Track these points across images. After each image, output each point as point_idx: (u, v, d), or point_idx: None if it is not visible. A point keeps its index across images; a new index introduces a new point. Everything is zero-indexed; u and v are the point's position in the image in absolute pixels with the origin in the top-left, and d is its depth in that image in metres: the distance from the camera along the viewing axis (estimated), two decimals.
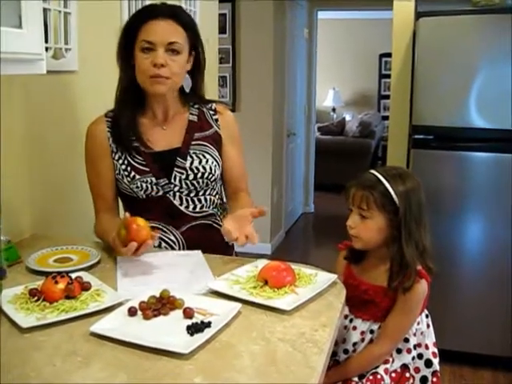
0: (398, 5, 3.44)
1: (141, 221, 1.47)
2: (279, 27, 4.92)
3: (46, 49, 1.77)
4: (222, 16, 4.42)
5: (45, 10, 1.75)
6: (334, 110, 9.21)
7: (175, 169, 1.69)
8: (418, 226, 1.50)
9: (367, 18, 8.39)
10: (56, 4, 1.86)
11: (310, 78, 6.27)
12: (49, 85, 1.86)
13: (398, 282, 1.48)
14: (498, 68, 2.74)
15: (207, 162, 1.71)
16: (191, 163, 1.70)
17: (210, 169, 1.71)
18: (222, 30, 4.35)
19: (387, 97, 8.21)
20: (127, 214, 1.49)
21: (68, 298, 1.25)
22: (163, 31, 1.60)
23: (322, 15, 6.35)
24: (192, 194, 1.72)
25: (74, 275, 1.32)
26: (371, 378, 1.52)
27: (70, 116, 2.00)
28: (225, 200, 1.86)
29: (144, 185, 1.67)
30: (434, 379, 1.56)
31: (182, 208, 1.72)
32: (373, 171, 1.54)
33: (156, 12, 1.62)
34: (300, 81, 5.85)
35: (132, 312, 1.20)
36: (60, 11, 1.88)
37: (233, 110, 1.81)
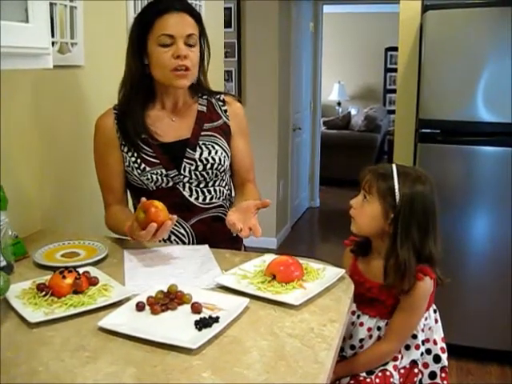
0: None
1: (159, 203, 1.49)
2: (284, 21, 4.90)
3: (52, 43, 1.76)
4: (227, 10, 4.41)
5: (51, 5, 1.74)
6: (339, 104, 9.18)
7: (185, 160, 1.69)
8: (420, 232, 1.48)
9: (373, 11, 8.35)
10: None
11: (316, 72, 6.24)
12: (55, 79, 1.86)
13: (393, 281, 1.48)
14: (506, 61, 2.71)
15: (216, 152, 1.71)
16: (201, 154, 1.70)
17: (220, 159, 1.71)
18: (227, 24, 4.33)
19: (393, 91, 8.20)
20: (144, 199, 1.50)
21: (76, 292, 1.24)
22: (181, 24, 1.61)
23: (327, 9, 6.33)
24: (202, 185, 1.73)
25: (81, 270, 1.32)
26: (380, 374, 1.52)
27: (77, 110, 1.99)
28: (233, 192, 1.86)
29: (154, 176, 1.67)
30: (443, 375, 1.56)
31: (192, 199, 1.72)
32: (393, 164, 1.54)
33: (170, 5, 1.62)
34: (305, 75, 5.83)
35: (140, 307, 1.20)
36: (66, 5, 1.88)
37: None
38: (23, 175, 1.76)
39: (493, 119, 2.78)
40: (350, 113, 8.33)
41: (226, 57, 4.07)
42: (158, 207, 1.48)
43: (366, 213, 1.52)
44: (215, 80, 3.20)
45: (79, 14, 1.93)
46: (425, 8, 2.99)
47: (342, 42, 9.04)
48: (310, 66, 6.06)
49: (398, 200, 1.47)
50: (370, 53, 9.06)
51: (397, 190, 1.47)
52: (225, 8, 3.53)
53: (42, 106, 1.83)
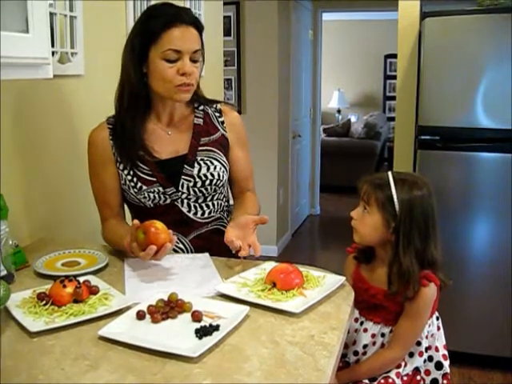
0: (403, 5, 3.43)
1: (159, 224, 1.46)
2: (284, 29, 4.92)
3: (52, 53, 1.77)
4: (226, 18, 4.43)
5: (51, 14, 1.75)
6: (339, 111, 9.21)
7: (182, 177, 1.66)
8: (421, 237, 1.48)
9: (372, 18, 8.39)
10: (62, 8, 1.86)
11: (315, 79, 6.26)
12: (55, 89, 1.86)
13: (398, 288, 1.48)
14: (505, 68, 2.72)
15: (215, 168, 1.68)
16: (199, 170, 1.67)
17: (218, 175, 1.69)
18: (226, 33, 4.36)
19: (392, 98, 8.22)
20: (136, 221, 1.46)
21: (76, 301, 1.24)
22: (188, 39, 1.56)
23: (326, 17, 6.35)
24: (200, 201, 1.70)
25: (81, 279, 1.32)
26: (383, 381, 1.51)
27: (77, 119, 2.00)
28: (231, 202, 1.85)
29: (151, 195, 1.64)
30: (445, 381, 1.55)
31: (191, 215, 1.70)
32: (388, 172, 1.55)
33: (177, 17, 1.55)
34: (305, 82, 5.85)
35: (140, 315, 1.20)
36: (66, 15, 1.89)
37: (238, 112, 1.81)
38: (22, 185, 1.76)
39: (492, 125, 2.79)
40: (349, 120, 8.35)
41: (225, 65, 4.09)
42: (158, 228, 1.45)
43: (367, 223, 1.52)
44: (215, 88, 3.21)
45: (79, 23, 1.94)
46: (423, 15, 3.00)
47: (342, 50, 9.07)
48: (310, 73, 6.07)
49: (397, 208, 1.47)
50: (369, 60, 9.09)
51: (395, 199, 1.47)
52: (224, 16, 3.55)
53: (41, 116, 1.83)
